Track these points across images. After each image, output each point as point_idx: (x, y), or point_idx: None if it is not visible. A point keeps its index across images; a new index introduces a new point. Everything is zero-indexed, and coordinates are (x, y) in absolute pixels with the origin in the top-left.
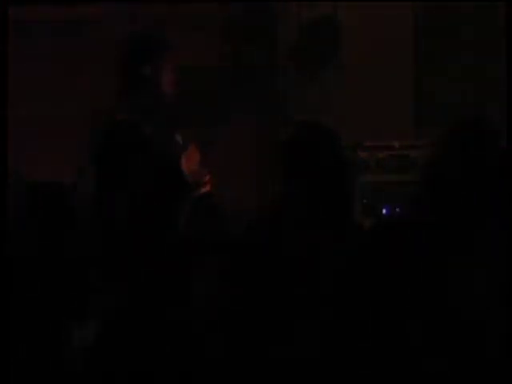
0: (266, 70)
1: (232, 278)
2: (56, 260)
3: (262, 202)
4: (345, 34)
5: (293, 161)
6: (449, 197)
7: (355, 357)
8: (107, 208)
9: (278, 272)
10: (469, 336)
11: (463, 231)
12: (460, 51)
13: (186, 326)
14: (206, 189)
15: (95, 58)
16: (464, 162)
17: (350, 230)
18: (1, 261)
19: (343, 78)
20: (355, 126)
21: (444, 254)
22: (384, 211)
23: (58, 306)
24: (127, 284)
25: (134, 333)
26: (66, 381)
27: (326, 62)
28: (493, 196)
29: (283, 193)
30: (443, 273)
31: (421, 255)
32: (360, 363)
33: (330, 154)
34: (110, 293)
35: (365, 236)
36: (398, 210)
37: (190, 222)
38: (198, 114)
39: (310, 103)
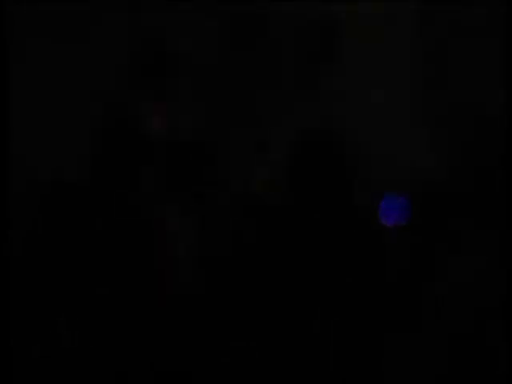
0: (266, 72)
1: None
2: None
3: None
4: (345, 33)
5: (296, 165)
6: None
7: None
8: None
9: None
10: None
11: None
12: (461, 52)
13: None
14: None
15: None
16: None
17: (353, 231)
18: (1, 261)
19: (343, 78)
20: (355, 126)
21: None
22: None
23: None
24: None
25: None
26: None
27: (326, 63)
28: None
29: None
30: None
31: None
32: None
33: (332, 158)
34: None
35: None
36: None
37: None
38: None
39: (310, 104)
